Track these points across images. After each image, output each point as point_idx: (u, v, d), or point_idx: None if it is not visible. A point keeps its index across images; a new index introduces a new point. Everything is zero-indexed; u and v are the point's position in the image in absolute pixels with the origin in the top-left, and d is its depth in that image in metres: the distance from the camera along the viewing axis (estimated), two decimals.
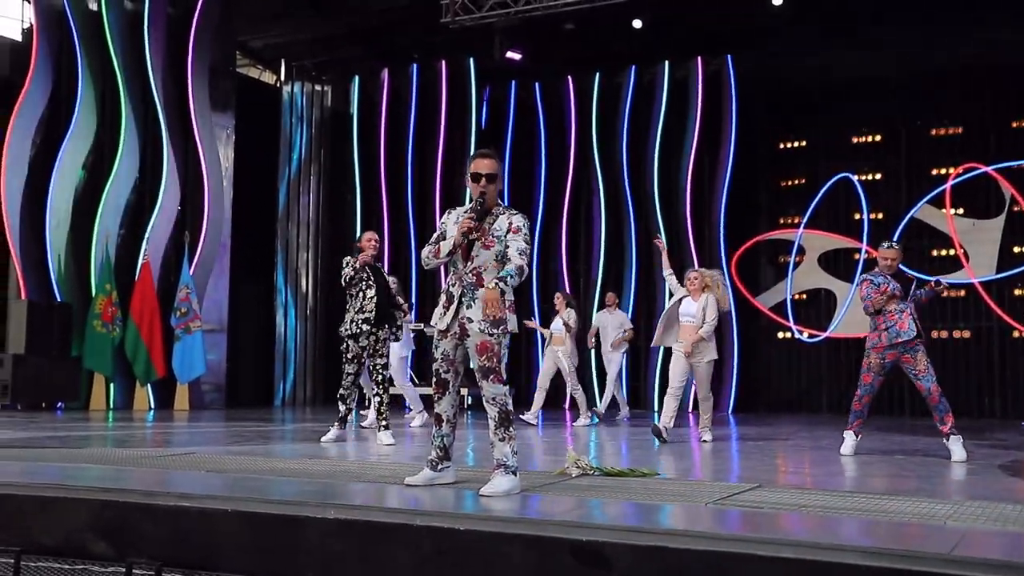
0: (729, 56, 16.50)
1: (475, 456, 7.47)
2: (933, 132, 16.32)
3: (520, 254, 4.99)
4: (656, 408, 14.00)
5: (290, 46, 18.85)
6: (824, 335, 16.47)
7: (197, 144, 15.61)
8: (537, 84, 17.85)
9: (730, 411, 15.88)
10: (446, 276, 5.30)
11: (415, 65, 17.99)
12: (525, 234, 5.08)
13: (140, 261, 14.85)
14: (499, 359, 5.02)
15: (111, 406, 14.78)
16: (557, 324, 12.20)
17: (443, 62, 17.56)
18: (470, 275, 5.01)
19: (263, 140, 18.30)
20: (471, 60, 17.31)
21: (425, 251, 5.23)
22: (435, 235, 5.27)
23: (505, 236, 5.00)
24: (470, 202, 5.16)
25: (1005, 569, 2.99)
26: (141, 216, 15.20)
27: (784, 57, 16.52)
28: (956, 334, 15.78)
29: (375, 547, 3.95)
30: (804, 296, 16.86)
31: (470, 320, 4.96)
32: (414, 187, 17.82)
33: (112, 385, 14.87)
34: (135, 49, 15.25)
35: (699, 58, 16.60)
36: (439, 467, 5.20)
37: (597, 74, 17.43)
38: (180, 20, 15.67)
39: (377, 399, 9.10)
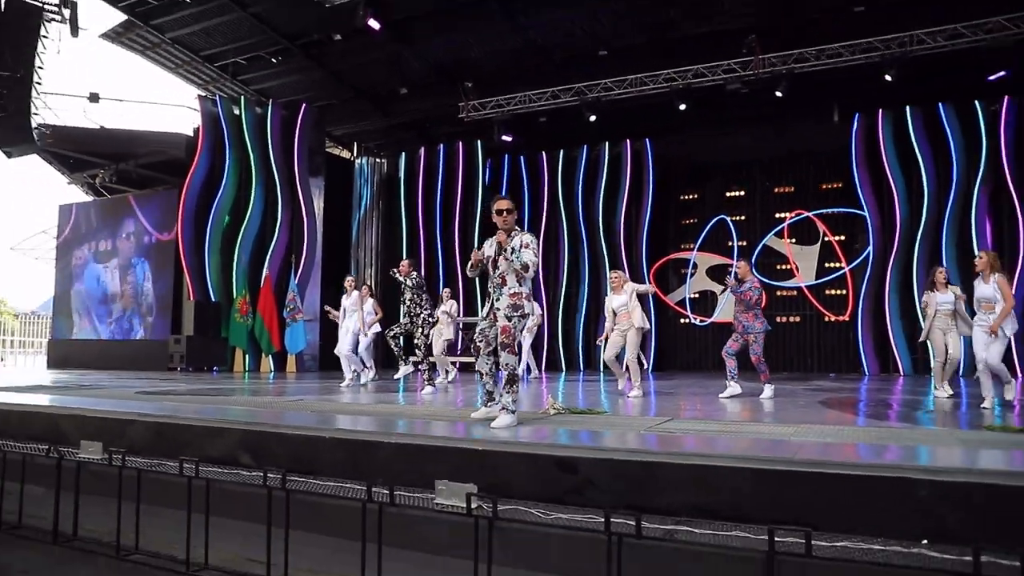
0: (648, 139, 17.03)
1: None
2: (776, 190, 17.06)
3: (524, 267, 5.08)
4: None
5: (360, 134, 19.76)
6: (709, 321, 17.10)
7: (300, 199, 16.37)
8: (522, 158, 18.21)
9: (651, 371, 16.10)
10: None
11: (442, 145, 18.26)
12: (533, 248, 5.16)
13: (264, 274, 15.71)
14: (514, 338, 5.09)
15: (246, 369, 15.62)
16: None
17: (460, 143, 17.87)
18: (497, 279, 5.18)
19: (342, 195, 18.81)
20: (479, 142, 17.63)
21: (468, 266, 5.35)
22: (479, 253, 5.32)
23: (520, 249, 5.09)
24: (496, 231, 5.26)
25: (823, 464, 3.30)
26: (264, 245, 16.07)
27: (685, 141, 17.12)
28: (791, 319, 16.71)
29: (423, 463, 4.04)
30: (697, 295, 17.48)
31: (499, 309, 5.14)
32: (441, 226, 18.07)
33: (247, 356, 15.75)
34: (261, 137, 16.22)
35: (627, 141, 17.07)
36: (489, 404, 5.33)
37: (561, 151, 17.78)
38: (290, 118, 16.51)
39: (417, 362, 9.19)
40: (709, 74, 14.38)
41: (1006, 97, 14.07)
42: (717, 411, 6.61)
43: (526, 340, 12.15)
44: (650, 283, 16.63)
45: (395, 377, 9.93)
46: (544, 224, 17.91)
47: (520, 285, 5.16)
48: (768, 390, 7.93)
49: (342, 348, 10.21)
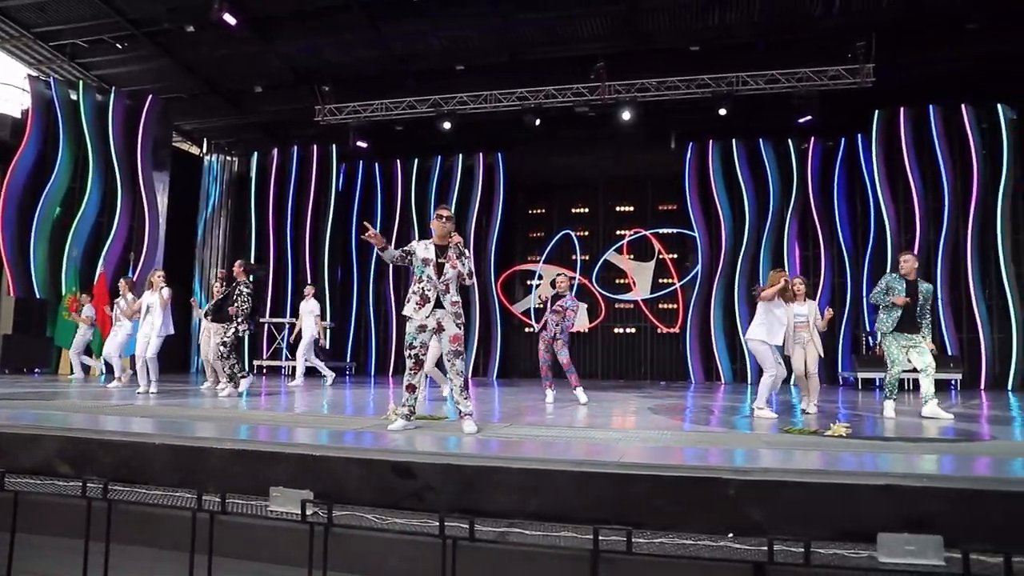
0: (500, 154, 17.23)
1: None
2: (617, 208, 17.76)
3: (470, 273, 5.24)
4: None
5: (211, 130, 18.74)
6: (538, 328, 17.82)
7: (142, 193, 15.35)
8: (377, 164, 17.93)
9: (495, 377, 16.57)
10: (417, 281, 5.20)
11: (296, 147, 17.66)
12: (470, 258, 5.28)
13: (98, 271, 14.49)
14: (463, 345, 5.14)
15: (72, 372, 14.05)
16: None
17: (315, 147, 17.38)
18: (442, 286, 5.12)
19: (188, 192, 17.89)
20: (334, 146, 17.23)
21: (396, 253, 5.23)
22: (405, 248, 5.28)
23: (464, 258, 5.19)
24: (429, 237, 5.29)
25: (648, 467, 3.44)
26: (100, 240, 14.89)
27: (535, 158, 17.34)
28: (628, 330, 17.41)
29: (258, 469, 3.84)
30: (541, 305, 17.65)
31: (446, 319, 5.08)
32: (292, 228, 17.40)
33: None
34: (101, 126, 15.06)
35: (480, 153, 17.22)
36: (411, 419, 5.20)
37: (416, 160, 17.65)
38: (135, 108, 15.48)
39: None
40: (559, 96, 14.85)
41: (812, 138, 15.55)
42: (552, 417, 6.73)
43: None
44: (497, 293, 16.96)
45: (225, 393, 8.92)
46: (396, 232, 17.69)
47: (457, 293, 5.22)
48: (581, 395, 8.23)
49: (143, 352, 9.13)
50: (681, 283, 17.11)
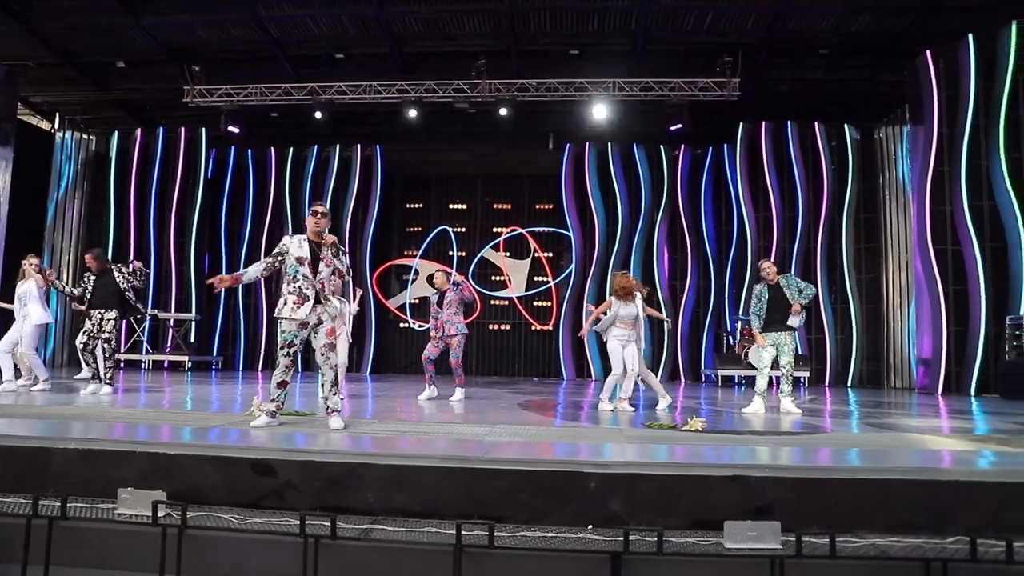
0: (379, 146, 16.99)
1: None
2: (495, 206, 17.91)
3: (347, 270, 5.28)
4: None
5: (65, 105, 17.45)
6: (428, 326, 17.50)
7: None
8: (250, 151, 17.39)
9: (368, 372, 16.29)
10: (291, 281, 5.07)
11: (162, 129, 16.79)
12: (347, 254, 5.29)
13: None
14: (336, 339, 5.19)
15: None
16: None
17: (183, 129, 16.57)
18: (319, 283, 5.08)
19: (37, 171, 16.51)
20: (204, 130, 16.42)
21: (262, 266, 5.08)
22: (274, 252, 5.13)
23: (342, 256, 5.18)
24: (303, 232, 5.17)
25: (511, 462, 3.50)
26: None
27: (414, 150, 17.29)
28: (503, 327, 17.58)
29: (105, 469, 3.63)
30: (417, 301, 17.49)
31: (324, 313, 5.07)
32: (155, 213, 16.60)
33: None
34: None
35: (359, 145, 16.96)
36: (276, 416, 5.09)
37: (291, 148, 17.25)
38: None
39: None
40: (440, 91, 14.79)
41: (683, 146, 16.29)
42: (423, 413, 6.70)
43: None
44: (373, 287, 16.75)
45: (76, 377, 8.58)
46: (268, 222, 17.31)
47: (332, 289, 5.22)
48: (459, 393, 8.18)
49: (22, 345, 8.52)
50: (555, 281, 17.46)
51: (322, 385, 5.27)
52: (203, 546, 3.24)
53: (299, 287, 5.05)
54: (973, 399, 10.74)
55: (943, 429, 6.19)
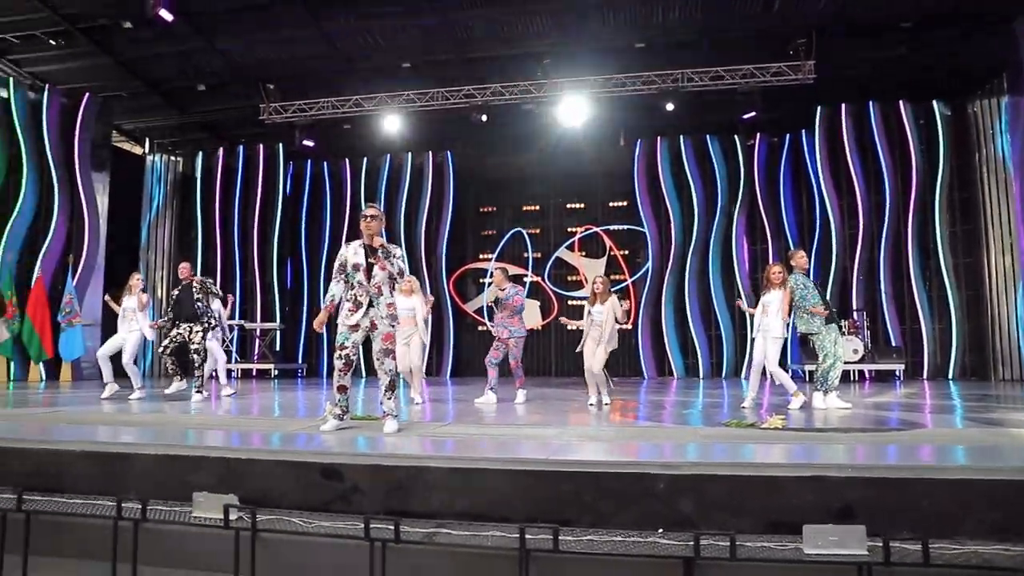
0: (449, 152, 17.25)
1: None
2: (568, 206, 17.85)
3: (400, 272, 5.17)
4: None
5: (153, 129, 18.10)
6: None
7: (80, 195, 14.99)
8: (325, 163, 17.85)
9: (448, 376, 16.56)
10: (350, 288, 5.17)
11: (242, 146, 17.61)
12: (399, 259, 5.18)
13: (36, 275, 14.14)
14: (394, 344, 5.15)
15: (11, 379, 13.95)
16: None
17: (261, 146, 17.29)
18: (374, 289, 5.09)
19: (131, 193, 17.45)
20: (280, 145, 17.08)
21: (338, 289, 5.20)
22: (337, 267, 5.23)
23: (392, 258, 5.12)
24: (358, 238, 5.25)
25: (576, 464, 3.44)
26: (36, 243, 14.45)
27: (484, 154, 17.34)
28: (581, 326, 17.64)
29: (181, 474, 3.73)
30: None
31: (380, 319, 5.06)
32: (239, 229, 17.28)
33: (11, 363, 14.04)
34: (35, 125, 14.58)
35: (430, 152, 17.21)
36: (344, 418, 5.22)
37: (364, 159, 17.57)
38: (71, 106, 15.04)
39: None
40: (506, 93, 14.77)
41: (757, 134, 15.78)
42: (492, 415, 6.64)
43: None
44: (450, 291, 16.86)
45: (166, 392, 9.07)
46: (346, 232, 17.57)
47: (391, 295, 5.18)
48: (521, 395, 8.14)
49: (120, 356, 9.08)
50: (632, 279, 17.21)
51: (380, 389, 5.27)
52: (272, 548, 3.30)
53: (355, 295, 5.13)
54: None
55: None
